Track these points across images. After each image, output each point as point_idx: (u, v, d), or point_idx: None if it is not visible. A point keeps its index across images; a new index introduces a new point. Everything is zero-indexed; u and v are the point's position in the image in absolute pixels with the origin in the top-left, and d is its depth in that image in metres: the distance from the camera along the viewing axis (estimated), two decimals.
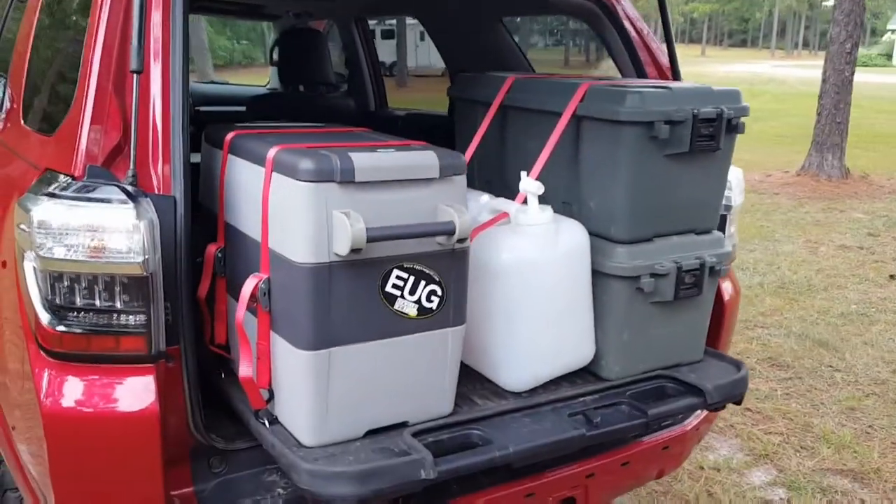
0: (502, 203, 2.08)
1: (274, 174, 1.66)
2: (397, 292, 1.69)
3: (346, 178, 1.58)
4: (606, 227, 2.08)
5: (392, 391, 1.76)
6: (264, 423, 1.75)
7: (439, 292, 1.75)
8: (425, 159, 1.69)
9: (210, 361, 1.95)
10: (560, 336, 2.03)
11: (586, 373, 2.14)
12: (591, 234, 2.07)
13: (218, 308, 1.95)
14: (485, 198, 2.16)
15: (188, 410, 1.75)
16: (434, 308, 1.75)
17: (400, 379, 1.76)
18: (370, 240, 1.57)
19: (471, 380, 2.07)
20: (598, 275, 2.07)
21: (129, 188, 1.65)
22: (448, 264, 1.75)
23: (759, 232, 7.49)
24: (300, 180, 1.57)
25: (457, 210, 1.68)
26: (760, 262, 6.43)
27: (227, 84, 6.22)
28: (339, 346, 1.65)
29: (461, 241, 1.70)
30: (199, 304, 1.94)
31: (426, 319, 1.75)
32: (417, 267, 1.71)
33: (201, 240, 1.95)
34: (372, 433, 1.75)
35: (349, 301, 1.64)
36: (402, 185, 1.66)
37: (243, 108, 4.08)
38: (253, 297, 1.68)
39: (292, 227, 1.60)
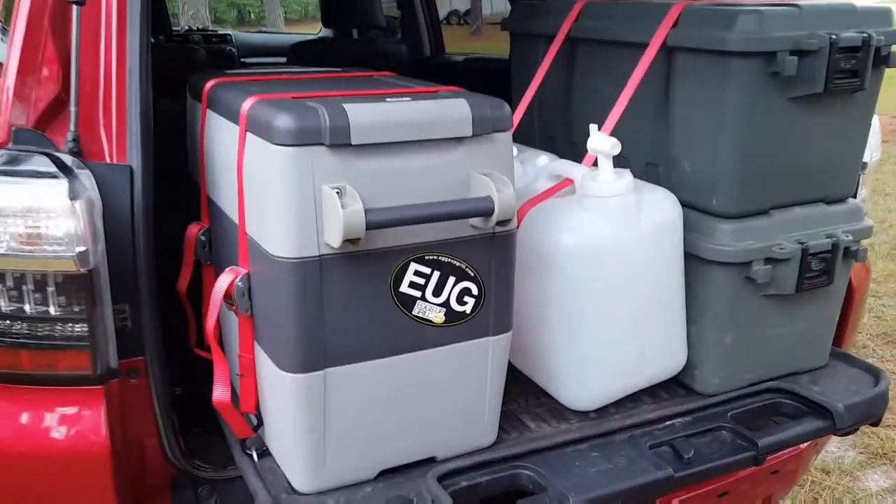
0: (566, 166, 1.59)
1: (248, 135, 1.23)
2: (416, 293, 1.25)
3: (339, 140, 1.14)
4: (706, 197, 1.57)
5: (413, 420, 1.33)
6: (252, 457, 1.37)
7: (475, 291, 1.30)
8: (453, 110, 1.22)
9: (198, 368, 1.57)
10: (641, 340, 1.55)
11: (675, 385, 1.66)
12: (684, 205, 1.57)
13: (205, 303, 1.55)
14: (543, 159, 1.68)
15: (160, 434, 1.39)
16: (468, 312, 1.31)
17: (423, 404, 1.33)
18: (372, 226, 1.13)
19: (523, 391, 1.63)
20: (693, 260, 1.57)
21: (64, 157, 1.26)
22: (486, 254, 1.29)
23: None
24: (275, 143, 1.13)
25: (497, 181, 1.22)
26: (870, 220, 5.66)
27: (279, 33, 5.82)
28: (337, 367, 1.23)
29: (504, 223, 1.24)
30: (181, 300, 1.56)
31: (458, 326, 1.30)
32: (444, 258, 1.26)
33: (186, 222, 1.56)
34: (388, 473, 1.34)
35: (350, 307, 1.21)
36: (421, 147, 1.21)
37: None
38: (228, 297, 1.28)
39: (268, 210, 1.18)
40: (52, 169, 1.21)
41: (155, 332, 1.34)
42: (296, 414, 1.24)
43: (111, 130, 1.34)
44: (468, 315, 1.31)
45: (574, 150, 1.82)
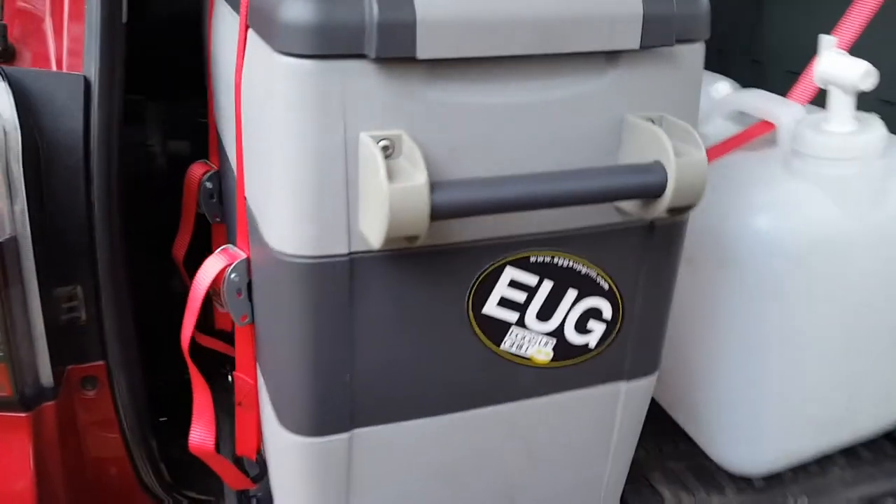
0: (764, 101, 1.02)
1: (249, 34, 0.72)
2: (511, 315, 0.75)
3: (395, 49, 0.61)
4: None
5: (492, 501, 0.86)
6: None
7: (608, 313, 0.79)
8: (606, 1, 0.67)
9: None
10: (854, 384, 1.01)
11: (885, 441, 1.12)
12: None
13: None
14: (723, 87, 1.10)
15: (131, 459, 0.98)
16: (592, 345, 0.80)
17: (509, 478, 0.85)
18: (445, 214, 0.62)
19: (653, 430, 1.13)
20: None
21: None
22: (635, 255, 0.77)
23: None
24: (279, 50, 0.62)
25: (677, 135, 0.67)
26: None
27: None
28: (372, 427, 0.76)
29: (679, 210, 0.70)
30: (179, 270, 1.11)
31: (573, 367, 0.80)
32: (562, 261, 0.74)
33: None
34: None
35: (398, 337, 0.72)
36: (541, 68, 0.67)
37: None
38: (215, 291, 0.81)
39: (268, 170, 0.68)
40: None
41: (121, 327, 0.90)
42: (303, 492, 0.78)
43: (62, 22, 0.87)
44: (592, 350, 0.80)
45: (757, 71, 1.24)
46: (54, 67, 0.87)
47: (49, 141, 0.83)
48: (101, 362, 0.91)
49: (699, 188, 0.67)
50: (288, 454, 0.77)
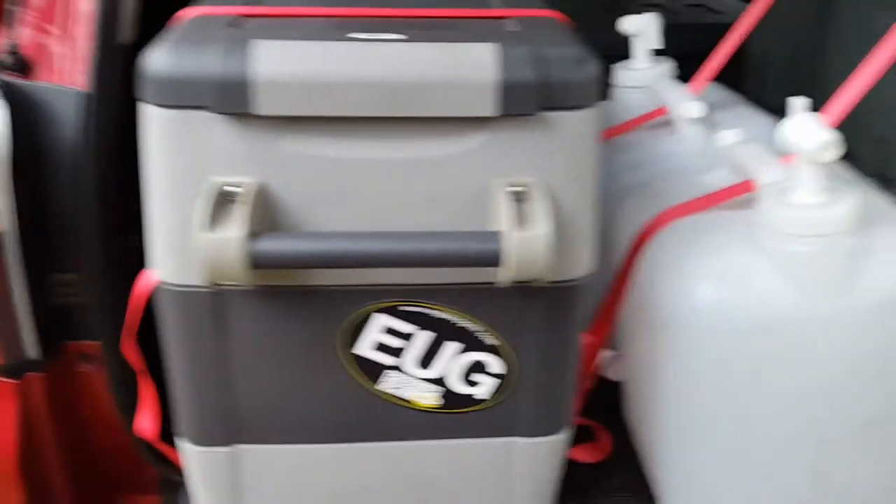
0: (749, 156, 0.92)
1: None
2: (386, 359, 0.76)
3: (233, 105, 0.65)
4: None
5: None
6: None
7: (496, 367, 0.77)
8: (459, 65, 0.65)
9: None
10: (821, 473, 0.90)
11: None
12: None
13: None
14: (728, 136, 1.00)
15: (129, 432, 1.11)
16: (483, 397, 0.79)
17: None
18: (263, 265, 0.65)
19: (631, 484, 1.08)
20: None
21: None
22: (521, 313, 0.75)
23: None
24: (142, 99, 0.68)
25: (530, 204, 0.65)
26: None
27: None
28: (254, 445, 0.81)
29: (527, 281, 0.68)
30: None
31: (462, 415, 0.80)
32: (437, 313, 0.74)
33: None
34: None
35: (270, 363, 0.77)
36: (399, 127, 0.67)
37: None
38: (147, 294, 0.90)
39: (147, 199, 0.74)
40: None
41: (106, 313, 1.02)
42: (196, 492, 0.85)
43: (74, 37, 0.99)
44: (482, 401, 0.79)
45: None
46: (65, 83, 0.99)
47: (51, 147, 0.96)
48: (95, 341, 1.04)
49: (538, 264, 0.65)
50: (183, 456, 0.84)
